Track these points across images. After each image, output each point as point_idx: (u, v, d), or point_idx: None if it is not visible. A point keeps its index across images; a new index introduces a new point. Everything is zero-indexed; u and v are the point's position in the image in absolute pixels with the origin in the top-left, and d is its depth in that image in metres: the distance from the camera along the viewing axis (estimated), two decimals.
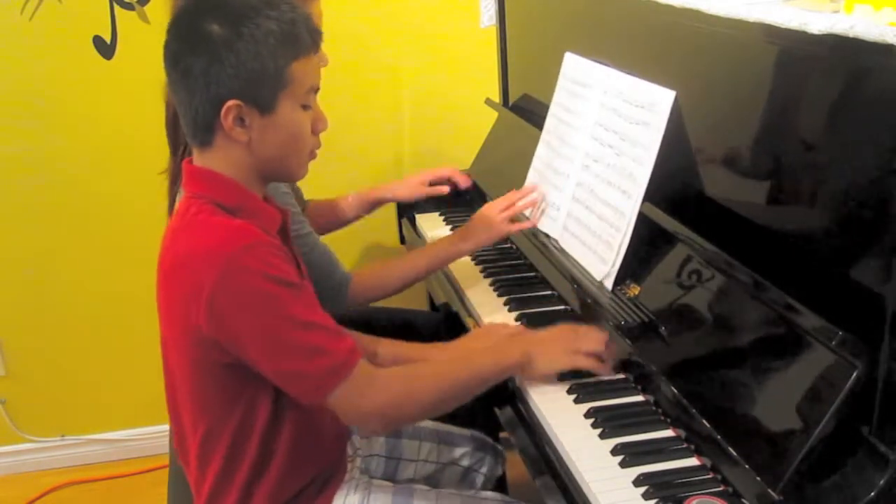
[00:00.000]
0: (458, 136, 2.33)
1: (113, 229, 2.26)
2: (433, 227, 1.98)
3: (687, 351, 1.18)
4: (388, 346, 1.38)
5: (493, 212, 1.60)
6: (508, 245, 1.80)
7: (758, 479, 0.96)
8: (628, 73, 1.44)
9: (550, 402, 1.23)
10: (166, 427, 1.26)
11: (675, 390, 1.13)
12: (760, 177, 1.18)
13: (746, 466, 0.98)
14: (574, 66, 1.63)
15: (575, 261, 1.49)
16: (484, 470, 1.52)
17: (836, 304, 0.98)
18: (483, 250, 1.72)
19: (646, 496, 1.03)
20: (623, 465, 1.09)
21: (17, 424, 2.39)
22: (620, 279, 1.36)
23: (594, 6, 1.64)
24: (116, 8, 2.10)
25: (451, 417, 1.34)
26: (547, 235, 1.61)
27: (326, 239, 1.58)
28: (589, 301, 1.39)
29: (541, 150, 1.71)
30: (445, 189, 1.96)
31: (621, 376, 1.27)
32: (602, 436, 1.15)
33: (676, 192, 1.31)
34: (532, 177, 1.72)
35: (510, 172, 1.84)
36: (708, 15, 1.18)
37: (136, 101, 2.09)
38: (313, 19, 1.13)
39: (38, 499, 2.32)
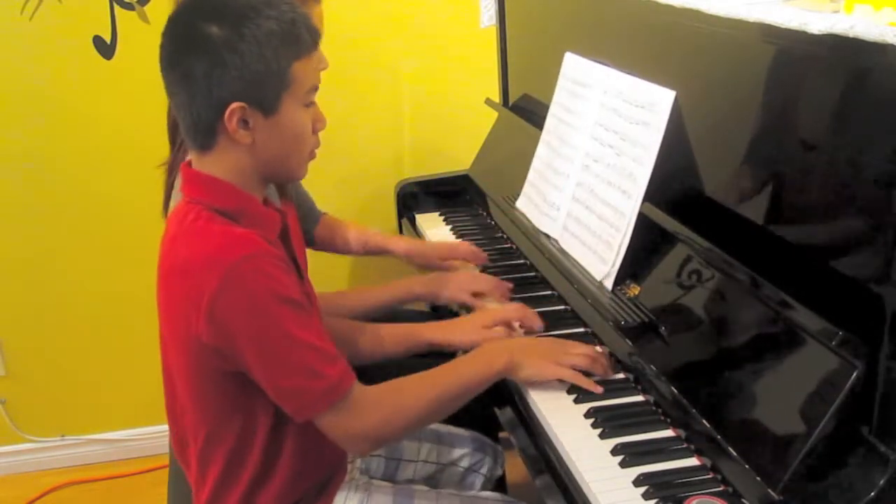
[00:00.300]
0: (458, 136, 2.33)
1: (113, 229, 2.26)
2: (433, 226, 1.98)
3: (687, 351, 1.18)
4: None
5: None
6: (508, 245, 1.80)
7: (758, 479, 0.95)
8: (628, 73, 1.43)
9: (550, 402, 1.23)
10: (166, 427, 1.26)
11: (675, 390, 1.13)
12: (760, 177, 1.18)
13: (746, 466, 0.98)
14: (574, 66, 1.63)
15: (575, 261, 1.49)
16: (483, 470, 1.52)
17: (836, 304, 0.98)
18: (483, 251, 1.72)
19: (646, 496, 1.02)
20: (623, 464, 1.08)
21: (17, 424, 2.39)
22: (620, 279, 1.36)
23: (594, 6, 1.64)
24: (116, 8, 2.10)
25: (451, 418, 1.34)
26: (547, 235, 1.61)
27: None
28: (589, 301, 1.39)
29: (541, 150, 1.71)
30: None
31: (621, 376, 1.27)
32: (602, 436, 1.15)
33: (676, 192, 1.31)
34: (532, 177, 1.72)
35: (510, 172, 1.84)
36: (708, 15, 1.18)
37: (136, 101, 2.10)
38: (313, 20, 1.13)
39: (38, 499, 2.31)
